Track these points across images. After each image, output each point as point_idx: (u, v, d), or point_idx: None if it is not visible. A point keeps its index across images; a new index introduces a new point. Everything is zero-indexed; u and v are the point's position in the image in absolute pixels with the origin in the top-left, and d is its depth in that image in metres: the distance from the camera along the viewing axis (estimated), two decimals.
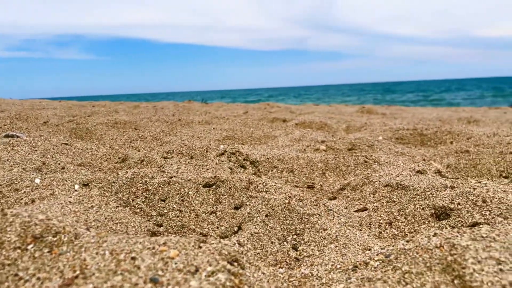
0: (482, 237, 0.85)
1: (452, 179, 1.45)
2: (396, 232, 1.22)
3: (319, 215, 1.22)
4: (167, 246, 0.85)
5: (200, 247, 0.87)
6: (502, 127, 3.21)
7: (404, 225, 1.24)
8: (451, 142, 2.53)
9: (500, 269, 0.71)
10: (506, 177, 1.84)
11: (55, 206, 1.25)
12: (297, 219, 1.19)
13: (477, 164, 1.95)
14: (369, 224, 1.27)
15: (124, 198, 1.44)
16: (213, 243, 0.90)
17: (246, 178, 1.42)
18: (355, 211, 1.36)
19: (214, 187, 1.43)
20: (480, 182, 1.34)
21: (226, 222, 1.23)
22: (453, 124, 3.98)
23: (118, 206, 1.38)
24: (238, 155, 2.03)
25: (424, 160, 2.02)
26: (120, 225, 1.23)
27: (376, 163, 1.84)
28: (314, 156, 2.05)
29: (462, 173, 1.91)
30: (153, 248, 0.85)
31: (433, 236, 0.88)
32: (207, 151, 2.18)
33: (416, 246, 0.86)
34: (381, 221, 1.27)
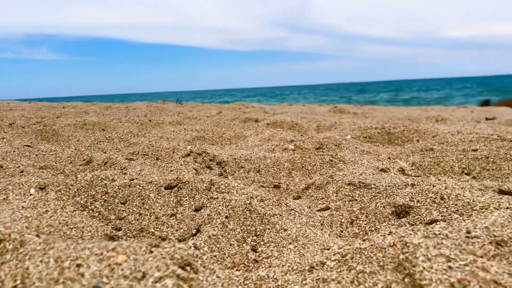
0: (435, 234, 0.85)
1: (414, 177, 1.46)
2: (357, 231, 1.22)
3: (280, 215, 1.21)
4: (116, 251, 0.82)
5: (152, 252, 0.84)
6: (467, 125, 3.28)
7: (365, 224, 1.24)
8: (418, 140, 2.57)
9: (449, 267, 0.71)
10: (467, 174, 1.88)
11: (5, 212, 1.19)
12: (258, 219, 1.17)
13: (441, 161, 1.98)
14: (331, 223, 1.26)
15: (82, 202, 1.39)
16: (166, 247, 0.87)
17: (208, 179, 1.39)
18: (318, 210, 1.35)
19: (175, 189, 1.40)
20: (439, 180, 1.36)
21: (186, 225, 1.20)
22: (421, 122, 4.06)
23: (75, 210, 1.33)
24: (205, 156, 2.00)
25: (389, 158, 2.04)
26: (75, 230, 1.19)
27: (342, 162, 1.84)
28: (282, 155, 2.04)
29: (426, 171, 1.94)
30: (101, 254, 0.81)
31: (388, 234, 0.88)
32: (173, 152, 2.14)
33: (371, 245, 0.86)
34: (342, 220, 1.27)
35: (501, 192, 1.52)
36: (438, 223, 1.08)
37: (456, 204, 1.14)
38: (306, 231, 1.15)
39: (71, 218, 1.25)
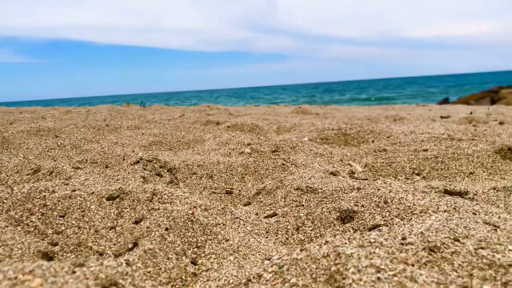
0: (370, 242, 0.84)
1: (361, 180, 1.46)
2: (302, 238, 1.20)
3: (224, 224, 1.17)
4: (33, 274, 0.76)
5: (74, 272, 0.79)
6: (421, 124, 3.36)
7: (310, 230, 1.22)
8: (373, 141, 2.60)
9: (378, 278, 0.70)
10: (418, 174, 1.90)
11: None
12: (200, 230, 1.13)
13: (393, 162, 2.00)
14: (277, 230, 1.24)
15: (16, 216, 1.30)
16: (91, 266, 0.82)
17: (150, 189, 1.34)
18: (265, 217, 1.33)
19: (117, 200, 1.34)
20: (385, 183, 1.36)
21: (124, 238, 1.15)
22: (380, 122, 4.13)
23: (7, 226, 1.25)
24: (155, 163, 1.94)
25: (341, 160, 2.04)
26: (3, 248, 1.11)
27: (293, 166, 1.83)
28: (235, 160, 2.01)
29: (378, 172, 1.95)
30: (16, 278, 0.75)
31: (324, 244, 0.86)
32: (123, 160, 2.07)
33: (307, 256, 0.84)
34: (289, 227, 1.25)
35: (446, 192, 1.54)
36: (381, 228, 1.07)
37: (398, 208, 1.14)
38: (249, 240, 1.12)
39: (1, 235, 1.17)
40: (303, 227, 1.24)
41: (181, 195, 1.31)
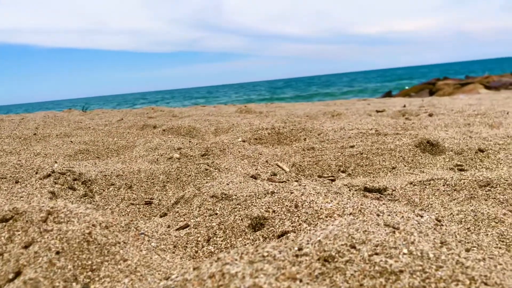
0: (263, 256, 0.78)
1: (278, 183, 1.42)
2: (212, 250, 1.13)
3: (125, 242, 1.08)
4: None
5: None
6: (356, 120, 3.41)
7: (221, 241, 1.16)
8: (305, 139, 2.58)
9: None
10: (343, 172, 1.90)
11: None
12: (97, 251, 1.03)
13: (319, 160, 1.99)
14: (186, 243, 1.16)
15: None
16: None
17: (47, 207, 1.22)
18: (176, 229, 1.25)
19: (11, 221, 1.21)
20: (300, 185, 1.32)
21: (8, 267, 1.03)
22: (318, 119, 4.16)
23: None
24: (69, 175, 1.80)
25: (267, 161, 2.00)
26: None
27: (217, 170, 1.76)
28: (158, 167, 1.91)
29: (305, 172, 1.93)
30: None
31: (215, 262, 0.79)
32: (36, 173, 1.91)
33: (196, 276, 0.77)
34: (199, 238, 1.18)
35: (366, 189, 1.54)
36: (289, 234, 1.03)
37: (307, 213, 1.10)
38: (151, 258, 1.04)
39: None
40: (215, 238, 1.17)
41: (80, 213, 1.20)
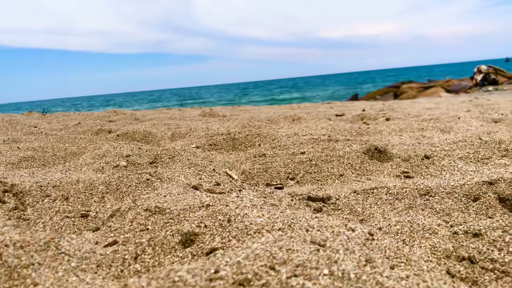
0: (173, 282, 0.72)
1: (216, 194, 1.36)
2: (139, 268, 1.06)
3: (40, 264, 1.00)
4: None
5: None
6: (315, 124, 3.40)
7: (150, 258, 1.09)
8: (259, 145, 2.54)
9: None
10: (292, 179, 1.86)
11: None
12: (6, 275, 0.94)
13: (269, 168, 1.95)
14: (111, 262, 1.09)
15: None
16: None
17: None
18: (104, 246, 1.17)
19: None
20: (237, 196, 1.27)
21: None
22: (279, 123, 4.13)
23: None
24: None
25: (214, 170, 1.94)
26: None
27: (159, 180, 1.69)
28: (98, 177, 1.82)
29: (255, 179, 1.88)
30: None
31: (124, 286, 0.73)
32: None
33: None
34: (126, 256, 1.11)
35: (309, 199, 1.50)
36: (217, 251, 0.97)
37: (238, 228, 1.04)
38: (67, 280, 0.96)
39: None
40: (143, 256, 1.10)
41: None
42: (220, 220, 1.12)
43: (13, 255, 1.00)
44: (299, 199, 1.48)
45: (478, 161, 1.77)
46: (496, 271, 0.88)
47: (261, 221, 1.03)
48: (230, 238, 1.02)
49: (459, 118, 3.24)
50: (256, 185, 1.75)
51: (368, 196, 1.46)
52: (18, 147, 3.17)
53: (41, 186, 1.74)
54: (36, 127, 5.44)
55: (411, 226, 1.14)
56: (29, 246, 1.06)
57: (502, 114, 3.57)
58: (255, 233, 0.98)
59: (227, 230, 1.06)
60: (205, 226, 1.11)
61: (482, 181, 1.34)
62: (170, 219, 1.20)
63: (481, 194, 1.28)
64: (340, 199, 1.48)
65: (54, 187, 1.74)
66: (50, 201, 1.65)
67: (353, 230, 0.98)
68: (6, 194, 1.66)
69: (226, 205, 1.19)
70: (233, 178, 1.86)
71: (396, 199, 1.40)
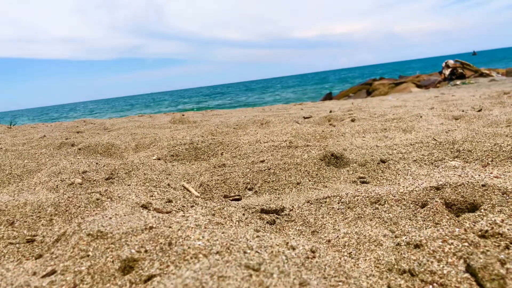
0: None
1: (163, 214, 1.32)
2: None
3: None
4: None
5: None
6: (280, 128, 3.38)
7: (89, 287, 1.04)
8: (222, 154, 2.50)
9: None
10: (250, 189, 1.83)
11: None
12: None
13: (227, 178, 1.91)
14: None
15: None
16: None
17: None
18: (42, 277, 1.11)
19: None
20: (183, 216, 1.23)
21: None
22: (247, 127, 4.10)
23: None
24: None
25: (168, 185, 1.89)
26: None
27: (109, 200, 1.63)
28: (47, 198, 1.74)
29: (213, 191, 1.85)
30: None
31: None
32: None
33: None
34: (64, 287, 1.05)
35: (263, 211, 1.47)
36: (155, 278, 0.93)
37: (177, 252, 1.00)
38: None
39: None
40: (81, 285, 1.05)
41: None
42: (161, 243, 1.08)
43: None
44: (252, 212, 1.45)
45: (432, 163, 1.78)
46: (435, 284, 0.87)
47: (199, 244, 0.99)
48: (169, 263, 0.98)
49: (421, 117, 3.28)
50: (211, 199, 1.72)
51: (321, 205, 1.44)
52: None
53: None
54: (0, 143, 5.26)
55: (358, 238, 1.13)
56: None
57: (463, 111, 3.63)
58: (191, 258, 0.94)
59: (166, 254, 1.02)
60: (146, 251, 1.06)
61: (430, 186, 1.34)
62: (112, 244, 1.15)
63: (428, 200, 1.28)
64: (293, 209, 1.46)
65: (0, 211, 1.66)
66: None
67: (293, 249, 0.96)
68: None
69: (170, 227, 1.15)
70: (190, 192, 1.82)
71: (348, 207, 1.38)
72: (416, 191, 1.35)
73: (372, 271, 0.97)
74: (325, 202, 1.45)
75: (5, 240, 1.50)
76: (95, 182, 2.12)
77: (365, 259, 1.03)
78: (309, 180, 1.78)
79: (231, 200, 1.71)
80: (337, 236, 1.17)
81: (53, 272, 1.12)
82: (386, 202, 1.33)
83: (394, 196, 1.35)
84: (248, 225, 1.32)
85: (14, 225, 1.59)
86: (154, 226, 1.18)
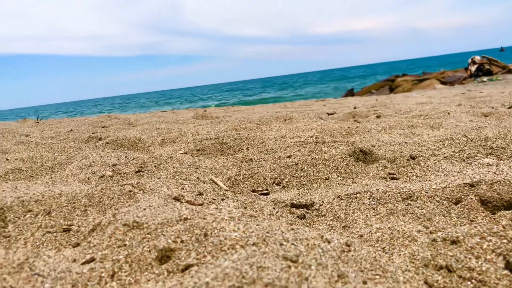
0: None
1: (196, 206, 1.34)
2: (115, 286, 1.04)
3: (12, 287, 0.98)
4: None
5: None
6: (305, 124, 3.38)
7: (126, 276, 1.07)
8: (247, 149, 2.52)
9: None
10: (278, 184, 1.85)
11: None
12: None
13: (255, 173, 1.93)
14: (88, 281, 1.07)
15: None
16: None
17: None
18: (82, 264, 1.15)
19: None
20: (217, 208, 1.25)
21: None
22: (270, 124, 4.11)
23: None
24: None
25: (198, 178, 1.92)
26: None
27: (141, 192, 1.67)
28: (81, 189, 1.79)
29: (240, 186, 1.87)
30: None
31: None
32: None
33: None
34: (103, 274, 1.09)
35: (293, 205, 1.48)
36: (192, 268, 0.95)
37: (213, 243, 1.03)
38: None
39: None
40: (119, 273, 1.08)
41: None
42: (197, 234, 1.10)
43: None
44: (282, 207, 1.46)
45: (463, 160, 1.76)
46: (473, 280, 0.87)
47: (235, 235, 1.01)
48: (205, 254, 1.00)
49: (449, 113, 3.22)
50: (240, 193, 1.74)
51: (352, 201, 1.44)
52: (7, 158, 3.15)
53: (23, 201, 1.71)
54: (27, 135, 5.41)
55: (392, 233, 1.12)
56: (1, 269, 1.04)
57: (493, 108, 3.55)
58: (228, 248, 0.96)
59: (203, 245, 1.04)
60: (182, 241, 1.09)
61: (464, 183, 1.33)
62: (148, 234, 1.18)
63: (462, 196, 1.27)
64: (324, 204, 1.46)
65: (36, 202, 1.71)
66: (32, 216, 1.63)
67: (329, 242, 0.97)
68: None
69: (204, 218, 1.17)
70: (219, 186, 1.85)
71: (379, 203, 1.38)
72: (449, 187, 1.33)
73: (407, 266, 0.97)
74: (356, 197, 1.45)
75: (43, 229, 1.56)
76: (125, 174, 2.17)
77: (400, 254, 1.03)
78: (338, 176, 1.78)
79: (260, 195, 1.73)
80: (370, 231, 1.18)
81: (92, 259, 1.16)
82: (419, 198, 1.32)
83: (427, 192, 1.34)
84: (279, 219, 1.33)
85: (51, 214, 1.64)
86: (188, 217, 1.21)
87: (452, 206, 1.25)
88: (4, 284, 0.99)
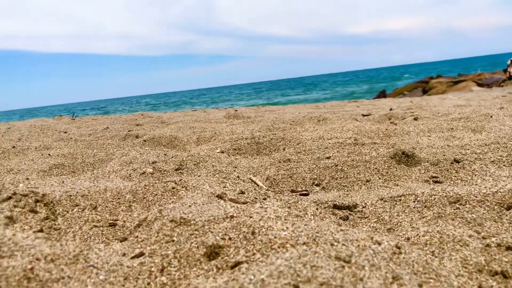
0: None
1: (240, 205, 1.36)
2: (165, 281, 1.07)
3: (69, 277, 1.02)
4: None
5: None
6: (341, 125, 3.36)
7: (175, 271, 1.10)
8: (284, 149, 2.53)
9: None
10: (317, 185, 1.84)
11: None
12: None
13: (294, 173, 1.93)
14: (138, 274, 1.10)
15: None
16: None
17: None
18: (131, 258, 1.19)
19: None
20: (261, 207, 1.26)
21: None
22: (304, 124, 4.10)
23: None
24: (31, 197, 1.74)
25: (238, 177, 1.94)
26: None
27: (184, 189, 1.70)
28: (125, 185, 1.85)
29: (279, 185, 1.87)
30: None
31: None
32: None
33: None
34: (153, 268, 1.12)
35: (335, 207, 1.48)
36: (242, 265, 0.97)
37: (262, 241, 1.04)
38: None
39: None
40: (169, 268, 1.11)
41: (26, 244, 1.14)
42: (244, 232, 1.11)
43: (44, 269, 1.03)
44: (325, 207, 1.46)
45: None
46: None
47: (285, 234, 1.02)
48: (255, 251, 1.02)
49: (491, 116, 3.13)
50: (280, 193, 1.74)
51: (396, 203, 1.42)
52: (49, 154, 3.27)
53: (71, 196, 1.78)
54: (66, 132, 5.60)
55: (441, 236, 1.11)
56: (59, 260, 1.09)
57: None
58: (279, 247, 0.97)
59: (251, 243, 1.06)
60: (230, 239, 1.11)
61: None
62: (195, 230, 1.21)
63: None
64: (366, 206, 1.45)
65: (83, 196, 1.78)
66: (79, 210, 1.70)
67: (379, 244, 0.96)
68: (37, 204, 1.71)
69: (250, 217, 1.18)
70: (258, 185, 1.86)
71: (425, 206, 1.36)
72: (500, 192, 1.30)
73: (460, 270, 0.95)
74: (400, 200, 1.44)
75: (90, 223, 1.61)
76: (165, 172, 2.22)
77: (451, 259, 1.01)
78: (379, 178, 1.77)
79: (299, 195, 1.73)
80: (417, 234, 1.16)
81: (141, 254, 1.20)
82: (468, 203, 1.29)
83: (476, 196, 1.31)
84: (323, 220, 1.33)
85: (97, 209, 1.70)
86: (234, 215, 1.23)
87: (503, 212, 1.22)
88: (62, 274, 1.03)
